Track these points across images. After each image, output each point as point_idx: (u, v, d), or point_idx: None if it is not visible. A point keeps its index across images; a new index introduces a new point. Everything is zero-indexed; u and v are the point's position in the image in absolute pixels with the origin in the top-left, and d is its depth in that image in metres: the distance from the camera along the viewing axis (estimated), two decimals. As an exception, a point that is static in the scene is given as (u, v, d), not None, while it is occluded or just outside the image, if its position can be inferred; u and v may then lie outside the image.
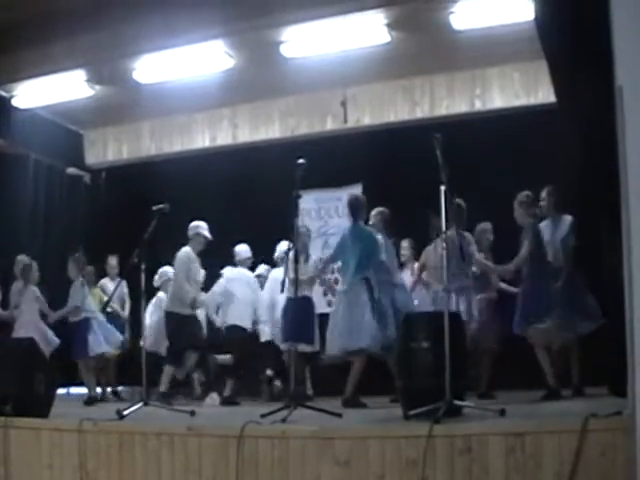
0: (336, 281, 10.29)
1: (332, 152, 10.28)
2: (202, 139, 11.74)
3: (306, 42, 9.30)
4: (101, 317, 9.80)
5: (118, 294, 10.10)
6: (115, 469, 5.32)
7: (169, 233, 9.73)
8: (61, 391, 9.83)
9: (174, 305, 9.11)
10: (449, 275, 5.91)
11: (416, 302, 8.51)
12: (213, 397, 9.12)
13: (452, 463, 4.36)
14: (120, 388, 10.75)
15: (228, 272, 9.91)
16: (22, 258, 9.98)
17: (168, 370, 8.97)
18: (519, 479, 4.25)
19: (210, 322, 10.10)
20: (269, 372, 9.76)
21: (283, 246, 9.09)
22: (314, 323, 9.10)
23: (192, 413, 6.42)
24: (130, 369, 9.49)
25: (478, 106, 10.20)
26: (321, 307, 9.82)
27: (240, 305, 9.60)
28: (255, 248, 9.99)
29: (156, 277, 10.25)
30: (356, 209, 8.11)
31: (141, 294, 7.34)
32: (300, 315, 8.26)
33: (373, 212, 8.41)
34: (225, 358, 9.67)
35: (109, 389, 10.45)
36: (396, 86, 10.56)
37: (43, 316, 9.67)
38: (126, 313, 10.72)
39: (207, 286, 10.01)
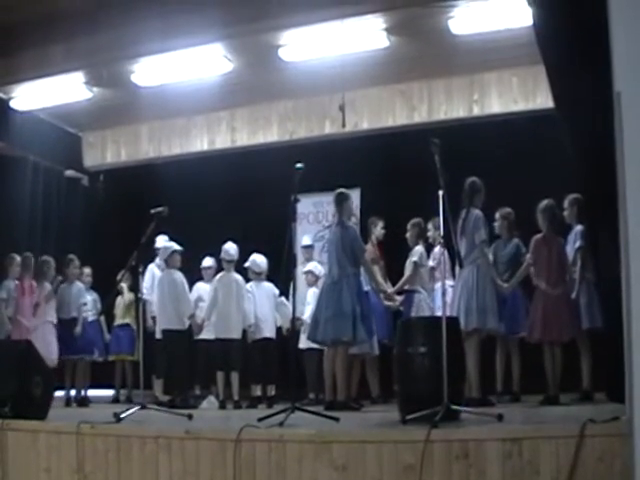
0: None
1: (330, 156, 10.27)
2: (200, 142, 11.73)
3: (305, 46, 9.32)
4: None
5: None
6: (113, 472, 5.31)
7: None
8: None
9: None
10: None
11: None
12: (211, 400, 9.12)
13: (449, 468, 4.35)
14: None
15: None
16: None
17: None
18: (516, 484, 4.25)
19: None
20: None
21: None
22: None
23: (189, 416, 6.41)
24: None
25: (476, 111, 10.20)
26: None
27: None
28: (252, 252, 9.97)
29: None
30: None
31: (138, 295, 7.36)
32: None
33: None
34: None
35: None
36: (394, 91, 10.58)
37: None
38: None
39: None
